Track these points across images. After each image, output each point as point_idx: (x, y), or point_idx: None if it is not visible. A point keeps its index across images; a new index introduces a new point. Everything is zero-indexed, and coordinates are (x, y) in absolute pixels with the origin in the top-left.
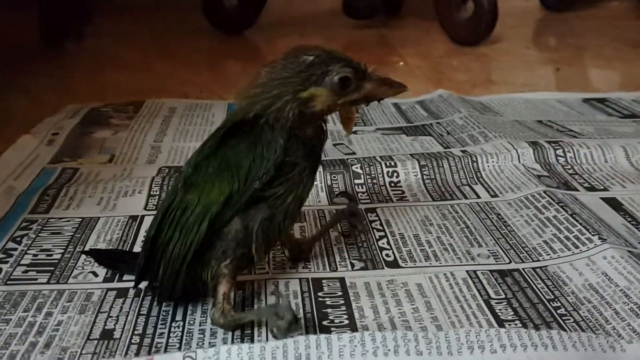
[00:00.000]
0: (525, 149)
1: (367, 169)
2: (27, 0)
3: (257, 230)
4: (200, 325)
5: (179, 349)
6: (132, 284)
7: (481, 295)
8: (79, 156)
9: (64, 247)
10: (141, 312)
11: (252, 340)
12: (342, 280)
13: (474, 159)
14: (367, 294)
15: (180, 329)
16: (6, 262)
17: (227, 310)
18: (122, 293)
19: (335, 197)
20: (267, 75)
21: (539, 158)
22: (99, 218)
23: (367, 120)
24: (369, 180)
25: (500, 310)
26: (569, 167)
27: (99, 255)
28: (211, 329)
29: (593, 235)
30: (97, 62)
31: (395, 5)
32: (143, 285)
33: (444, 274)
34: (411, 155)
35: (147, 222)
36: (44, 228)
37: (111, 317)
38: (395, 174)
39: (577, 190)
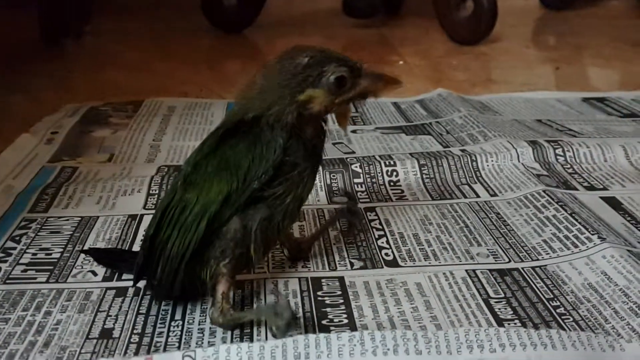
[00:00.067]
0: (524, 148)
1: (367, 168)
2: (27, 0)
3: (255, 230)
4: (199, 324)
5: (178, 348)
6: (131, 283)
7: (480, 295)
8: (78, 155)
9: (63, 246)
10: (140, 311)
11: (251, 340)
12: (341, 279)
13: (474, 158)
14: (367, 293)
15: (180, 328)
16: (5, 261)
17: (226, 310)
18: (121, 292)
19: (334, 196)
20: (264, 79)
21: (539, 157)
22: (98, 217)
23: (367, 119)
24: (368, 180)
25: (499, 309)
26: (569, 166)
27: (98, 255)
28: (210, 328)
29: (592, 234)
30: (97, 61)
31: (395, 4)
32: (142, 284)
33: (443, 273)
34: (410, 154)
35: (146, 221)
36: (43, 227)
37: (110, 316)
38: (394, 173)
39: (577, 189)
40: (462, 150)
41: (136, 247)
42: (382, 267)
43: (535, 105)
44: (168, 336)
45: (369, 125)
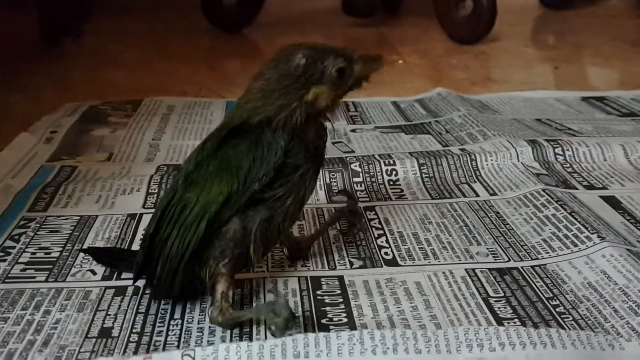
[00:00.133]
0: (524, 147)
1: (366, 168)
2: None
3: (255, 231)
4: (198, 323)
5: (178, 347)
6: (130, 282)
7: (480, 294)
8: (77, 154)
9: (62, 245)
10: (139, 310)
11: (250, 339)
12: (340, 278)
13: (473, 157)
14: (366, 292)
15: (179, 327)
16: (4, 260)
17: (225, 309)
18: (120, 291)
19: (334, 195)
20: (264, 87)
21: (538, 156)
22: (97, 216)
23: (366, 118)
24: (368, 179)
25: (499, 308)
26: (568, 165)
27: (97, 254)
28: (210, 327)
29: (592, 233)
30: (96, 60)
31: (395, 3)
32: (141, 283)
33: (443, 273)
34: (410, 153)
35: (146, 220)
36: (42, 226)
37: (109, 315)
38: (394, 172)
39: (576, 188)
40: (462, 150)
41: (135, 246)
42: (382, 266)
43: (535, 105)
44: (167, 335)
45: (369, 125)
